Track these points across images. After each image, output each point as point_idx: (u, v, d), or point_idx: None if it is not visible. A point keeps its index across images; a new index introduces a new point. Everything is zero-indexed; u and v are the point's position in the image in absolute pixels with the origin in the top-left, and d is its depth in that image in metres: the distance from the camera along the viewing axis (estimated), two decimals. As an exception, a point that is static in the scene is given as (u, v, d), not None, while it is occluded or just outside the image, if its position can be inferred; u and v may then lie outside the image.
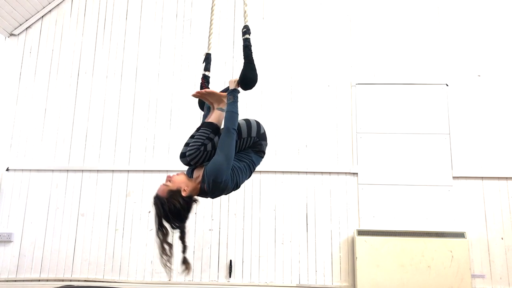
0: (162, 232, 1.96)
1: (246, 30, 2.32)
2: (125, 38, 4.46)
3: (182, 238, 1.99)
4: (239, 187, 2.13)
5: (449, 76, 4.19)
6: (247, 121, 2.17)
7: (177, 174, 2.06)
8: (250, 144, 2.16)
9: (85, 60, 4.43)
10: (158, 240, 1.96)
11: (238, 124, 2.09)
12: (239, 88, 2.20)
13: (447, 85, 4.16)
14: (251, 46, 2.27)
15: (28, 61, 4.45)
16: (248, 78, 2.19)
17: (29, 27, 4.51)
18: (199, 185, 2.03)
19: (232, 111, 2.07)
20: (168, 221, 1.96)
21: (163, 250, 1.95)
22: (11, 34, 4.49)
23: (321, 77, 4.27)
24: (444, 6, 4.34)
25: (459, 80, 4.17)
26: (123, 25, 4.49)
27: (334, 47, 4.33)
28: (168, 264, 1.95)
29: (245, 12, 2.43)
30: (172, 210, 1.94)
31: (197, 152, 2.03)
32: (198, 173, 2.05)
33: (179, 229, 1.99)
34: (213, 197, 2.12)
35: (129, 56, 4.41)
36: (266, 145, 2.22)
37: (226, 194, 2.16)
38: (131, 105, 4.31)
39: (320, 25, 4.38)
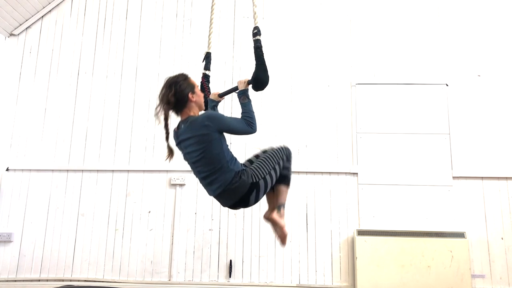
0: (169, 90, 2.13)
1: (257, 32, 2.33)
2: (125, 38, 4.46)
3: (166, 126, 2.18)
4: (208, 177, 2.14)
5: (449, 76, 4.19)
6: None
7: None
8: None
9: (85, 60, 4.43)
10: (164, 91, 2.16)
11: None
12: (249, 88, 2.24)
13: (447, 85, 4.16)
14: (262, 47, 2.29)
15: (28, 61, 4.45)
16: (260, 80, 2.23)
17: (29, 27, 4.51)
18: (196, 112, 2.18)
19: (251, 110, 2.18)
20: (168, 89, 2.13)
21: (167, 99, 2.13)
22: (11, 34, 4.49)
23: (321, 77, 4.27)
24: (444, 6, 4.34)
25: (459, 80, 4.17)
26: (123, 25, 4.49)
27: (334, 47, 4.33)
28: (159, 113, 2.15)
29: (254, 13, 2.43)
30: (178, 84, 2.13)
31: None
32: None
33: (164, 110, 2.14)
34: (181, 148, 2.21)
35: (129, 56, 4.41)
36: (246, 194, 2.18)
37: (190, 165, 2.21)
38: (131, 105, 4.31)
39: (320, 25, 4.38)
